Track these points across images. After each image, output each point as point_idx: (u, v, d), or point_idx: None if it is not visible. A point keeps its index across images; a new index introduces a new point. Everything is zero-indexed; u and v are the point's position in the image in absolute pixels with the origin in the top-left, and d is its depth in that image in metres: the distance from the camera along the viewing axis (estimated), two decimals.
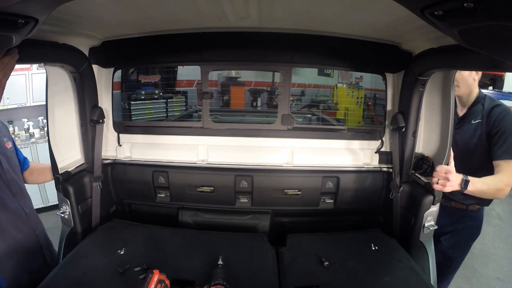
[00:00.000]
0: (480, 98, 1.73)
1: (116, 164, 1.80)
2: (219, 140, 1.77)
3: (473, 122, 1.72)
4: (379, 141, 1.73)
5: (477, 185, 1.44)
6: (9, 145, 1.45)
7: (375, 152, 1.74)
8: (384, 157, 1.73)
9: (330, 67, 3.79)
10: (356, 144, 1.77)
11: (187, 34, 1.52)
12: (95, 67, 1.58)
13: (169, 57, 1.70)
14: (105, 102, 1.70)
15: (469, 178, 1.42)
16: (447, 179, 1.35)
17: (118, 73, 1.81)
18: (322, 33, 1.50)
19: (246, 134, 1.78)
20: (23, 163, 1.54)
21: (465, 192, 1.43)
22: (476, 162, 1.69)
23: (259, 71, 6.35)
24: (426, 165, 1.52)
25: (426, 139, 1.60)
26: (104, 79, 1.69)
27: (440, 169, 1.38)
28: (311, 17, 1.32)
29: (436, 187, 1.38)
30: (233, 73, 6.14)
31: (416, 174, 1.56)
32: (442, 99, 1.47)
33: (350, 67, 1.80)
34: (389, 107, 1.70)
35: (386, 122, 1.71)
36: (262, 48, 1.58)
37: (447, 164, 1.41)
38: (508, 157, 1.56)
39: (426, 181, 1.49)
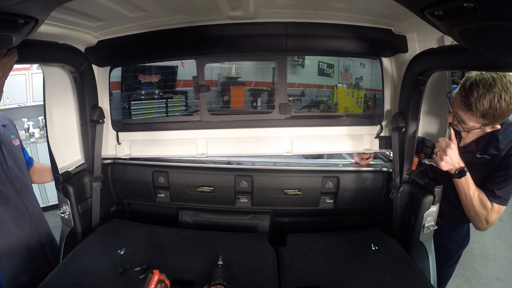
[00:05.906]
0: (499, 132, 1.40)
1: (116, 164, 1.80)
2: (218, 132, 1.76)
3: (478, 156, 1.45)
4: (378, 126, 1.73)
5: (471, 186, 1.37)
6: (16, 142, 1.47)
7: (375, 137, 1.74)
8: (384, 141, 1.74)
9: (326, 54, 3.76)
10: (355, 130, 1.76)
11: (181, 29, 1.52)
12: (93, 67, 1.57)
13: (163, 53, 1.69)
14: (104, 101, 1.70)
15: (468, 174, 1.37)
16: (445, 153, 1.34)
17: (119, 73, 1.81)
18: (315, 20, 1.50)
19: (244, 125, 1.77)
20: (27, 163, 1.55)
21: (455, 181, 1.38)
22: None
23: (259, 71, 6.32)
24: (427, 146, 1.52)
25: (424, 133, 1.60)
26: (101, 79, 1.68)
27: (442, 140, 1.38)
28: (303, 4, 1.32)
29: (434, 157, 1.40)
30: (233, 72, 6.11)
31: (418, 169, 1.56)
32: (439, 94, 1.48)
33: (345, 52, 1.80)
34: (386, 92, 1.70)
35: (385, 108, 1.71)
36: (256, 38, 1.57)
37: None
38: (502, 204, 1.41)
39: (427, 180, 1.49)
